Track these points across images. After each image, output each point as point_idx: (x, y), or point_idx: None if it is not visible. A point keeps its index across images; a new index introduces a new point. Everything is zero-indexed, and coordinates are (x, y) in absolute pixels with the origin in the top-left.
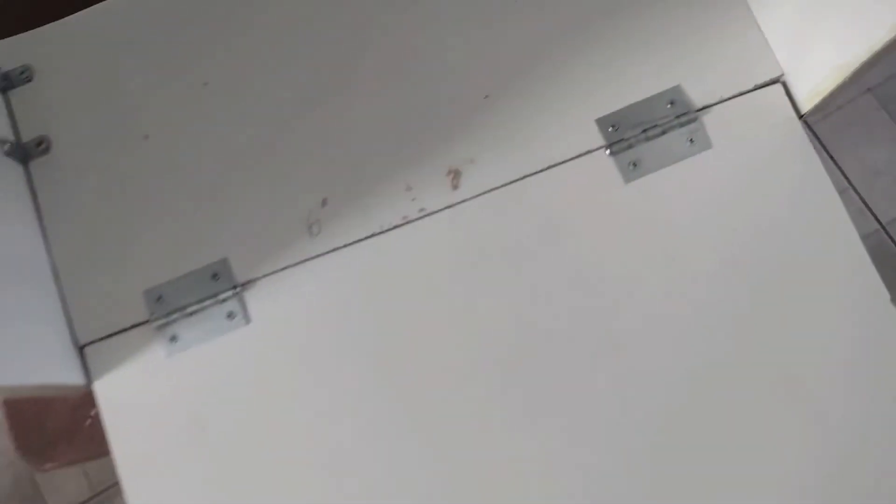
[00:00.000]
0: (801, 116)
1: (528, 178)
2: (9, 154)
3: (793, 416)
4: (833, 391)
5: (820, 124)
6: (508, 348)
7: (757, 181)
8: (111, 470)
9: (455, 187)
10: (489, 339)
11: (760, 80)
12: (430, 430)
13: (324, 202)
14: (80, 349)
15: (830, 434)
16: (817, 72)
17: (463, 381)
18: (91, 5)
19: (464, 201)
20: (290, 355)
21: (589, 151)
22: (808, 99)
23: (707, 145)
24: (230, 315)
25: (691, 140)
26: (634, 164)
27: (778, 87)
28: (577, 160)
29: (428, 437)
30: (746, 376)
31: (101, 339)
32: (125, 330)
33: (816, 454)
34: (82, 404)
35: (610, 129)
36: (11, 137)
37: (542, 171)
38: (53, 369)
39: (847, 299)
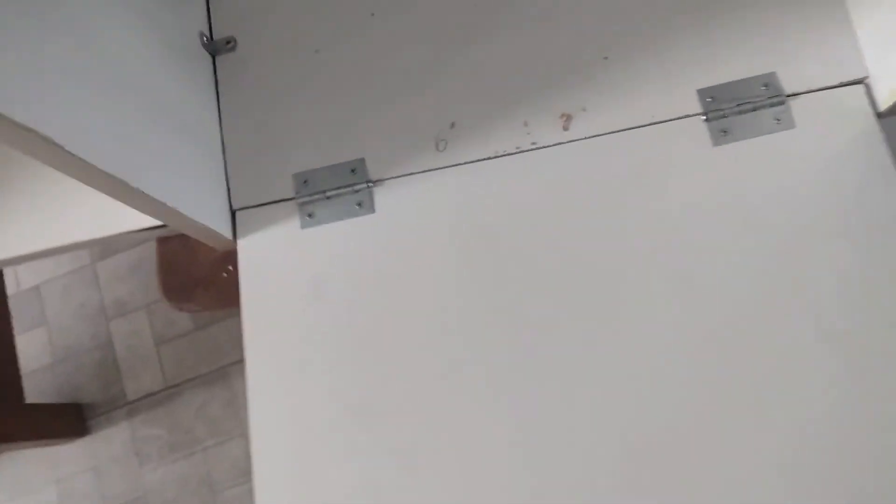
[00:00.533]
0: (878, 115)
1: (630, 131)
2: (203, 46)
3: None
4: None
5: None
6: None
7: (831, 164)
8: (184, 368)
9: (566, 129)
10: (576, 269)
11: (846, 79)
12: (521, 337)
13: (452, 124)
14: (233, 212)
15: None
16: None
17: (547, 314)
18: None
19: (571, 142)
20: (402, 246)
21: (687, 116)
22: (886, 99)
23: (791, 126)
24: (360, 204)
25: (778, 119)
26: (724, 132)
27: (860, 88)
28: (675, 122)
29: (518, 343)
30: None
31: (251, 206)
32: (273, 202)
33: None
34: (223, 258)
35: (709, 100)
36: (207, 33)
37: (643, 126)
38: (213, 218)
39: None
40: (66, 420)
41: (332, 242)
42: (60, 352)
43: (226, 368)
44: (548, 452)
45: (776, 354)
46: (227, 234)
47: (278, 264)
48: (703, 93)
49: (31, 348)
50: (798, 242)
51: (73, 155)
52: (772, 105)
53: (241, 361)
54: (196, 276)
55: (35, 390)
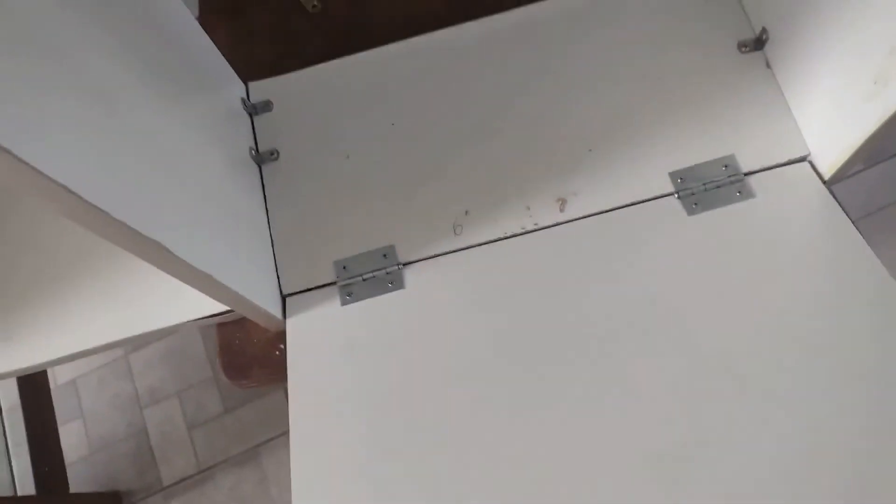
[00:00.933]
0: (825, 182)
1: (616, 210)
2: (252, 158)
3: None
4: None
5: (861, 222)
6: (595, 337)
7: (790, 225)
8: (216, 451)
9: (562, 210)
10: (580, 324)
11: (792, 157)
12: (530, 385)
13: (466, 212)
14: (284, 297)
15: None
16: (834, 150)
17: (558, 362)
18: (316, 63)
19: (567, 221)
20: (427, 314)
21: (662, 195)
22: (827, 172)
23: (752, 196)
24: (392, 282)
25: (739, 192)
26: (696, 204)
27: (805, 164)
28: (653, 200)
29: (527, 390)
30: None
31: (299, 292)
32: (317, 287)
33: None
34: (275, 338)
35: (679, 180)
36: (254, 147)
37: (627, 206)
38: (269, 303)
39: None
40: None
41: (368, 314)
42: (97, 442)
43: (256, 448)
44: (560, 485)
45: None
46: (279, 315)
47: (320, 335)
48: (673, 175)
49: (69, 440)
50: (764, 291)
51: (178, 257)
52: (732, 182)
53: (269, 441)
54: (252, 355)
55: (75, 480)
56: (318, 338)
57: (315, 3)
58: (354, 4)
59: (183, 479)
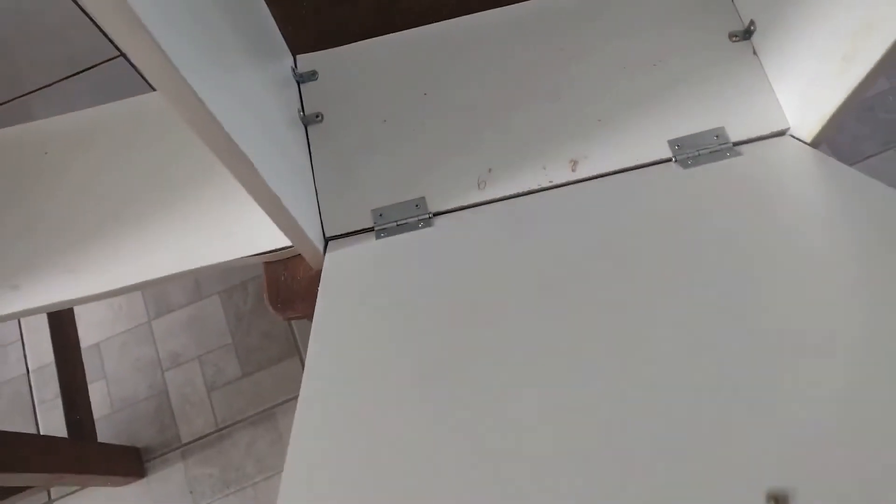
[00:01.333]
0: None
1: (622, 172)
2: (300, 119)
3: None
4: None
5: None
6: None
7: (776, 168)
8: (234, 412)
9: (574, 171)
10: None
11: (775, 130)
12: (546, 321)
13: (490, 170)
14: (326, 240)
15: None
16: (811, 121)
17: (568, 298)
18: (361, 39)
19: (578, 181)
20: (453, 252)
21: (662, 160)
22: (807, 138)
23: (739, 154)
24: (422, 227)
25: (728, 154)
26: (690, 163)
27: (787, 137)
28: (654, 165)
29: (544, 327)
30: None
31: (340, 235)
32: (356, 232)
33: None
34: (317, 276)
35: (676, 147)
36: (301, 111)
37: (631, 168)
38: (318, 241)
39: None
40: (128, 461)
41: (399, 246)
42: (119, 402)
43: (271, 410)
44: (571, 421)
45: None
46: (322, 252)
47: (353, 263)
48: (671, 142)
49: (92, 399)
50: (760, 224)
51: (260, 175)
52: (722, 149)
53: (285, 402)
54: (296, 290)
55: (98, 436)
56: (350, 265)
57: None
58: None
59: (201, 437)
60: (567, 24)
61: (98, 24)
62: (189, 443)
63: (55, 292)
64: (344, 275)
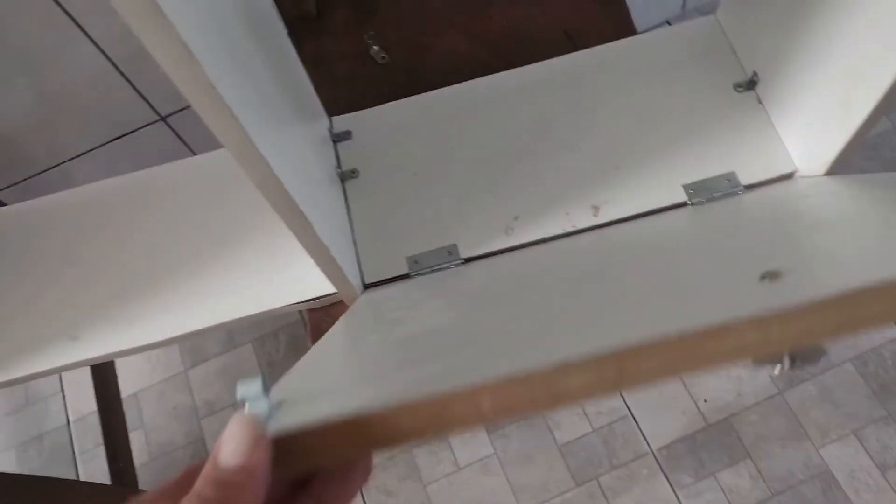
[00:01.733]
0: None
1: (642, 217)
2: (337, 175)
3: None
4: None
5: None
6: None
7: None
8: None
9: (595, 216)
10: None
11: (784, 172)
12: None
13: (516, 217)
14: (365, 287)
15: None
16: (816, 164)
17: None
18: (385, 102)
19: (600, 225)
20: (483, 287)
21: (677, 204)
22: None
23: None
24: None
25: (741, 195)
26: (705, 204)
27: (794, 179)
28: (671, 210)
29: None
30: None
31: (378, 282)
32: (393, 279)
33: None
34: None
35: (690, 192)
36: (339, 168)
37: (649, 212)
38: (357, 286)
39: None
40: None
41: (431, 284)
42: (157, 450)
43: None
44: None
45: None
46: None
47: (387, 293)
48: (686, 187)
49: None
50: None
51: (314, 229)
52: (733, 193)
53: None
54: None
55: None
56: (384, 293)
57: (383, 55)
58: (415, 57)
59: None
60: (581, 81)
61: (178, 88)
62: None
63: (112, 342)
64: (378, 297)
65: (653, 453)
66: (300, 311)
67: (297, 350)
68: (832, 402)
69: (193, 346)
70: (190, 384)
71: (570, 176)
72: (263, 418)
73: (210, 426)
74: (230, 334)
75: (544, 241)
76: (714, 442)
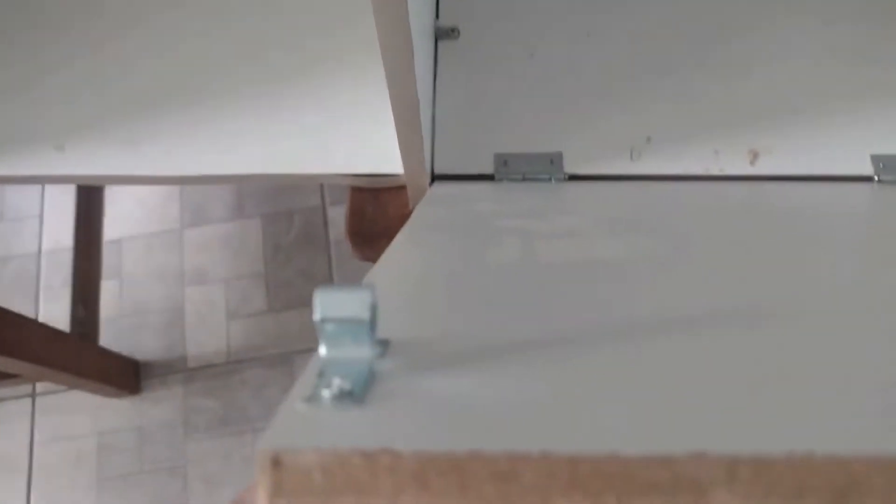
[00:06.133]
0: None
1: (809, 180)
2: (434, 29)
3: None
4: None
5: None
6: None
7: None
8: (250, 347)
9: (752, 164)
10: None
11: None
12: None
13: (648, 139)
14: (433, 177)
15: None
16: None
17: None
18: None
19: (755, 177)
20: (582, 219)
21: (860, 177)
22: None
23: None
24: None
25: None
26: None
27: None
28: (849, 181)
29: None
30: None
31: (451, 176)
32: (471, 177)
33: None
34: (408, 216)
35: (881, 165)
36: (436, 20)
37: (822, 177)
38: (426, 174)
39: None
40: (125, 373)
41: (521, 194)
42: (129, 306)
43: (291, 355)
44: None
45: None
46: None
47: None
48: (875, 158)
49: (101, 298)
50: None
51: (413, 66)
52: None
53: (308, 350)
54: (383, 226)
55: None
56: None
57: None
58: None
59: (209, 366)
60: None
61: None
62: (195, 369)
63: (105, 163)
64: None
65: None
66: (322, 197)
67: (309, 240)
68: None
69: (196, 203)
70: (183, 244)
71: (731, 105)
72: (362, 383)
73: (194, 296)
74: (240, 201)
75: (678, 178)
76: None
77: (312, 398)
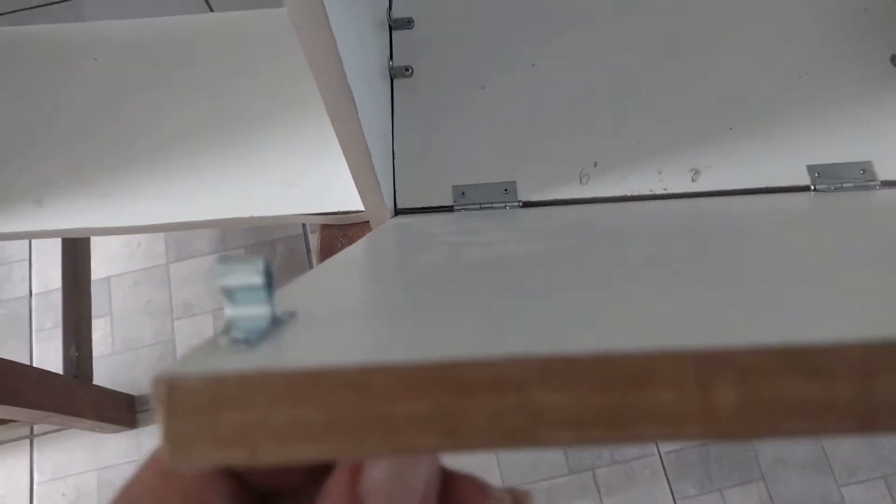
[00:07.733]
0: None
1: (748, 195)
2: (389, 70)
3: None
4: None
5: None
6: None
7: None
8: None
9: (694, 181)
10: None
11: None
12: None
13: (595, 163)
14: (396, 212)
15: None
16: None
17: None
18: None
19: (697, 194)
20: (537, 243)
21: (797, 187)
22: None
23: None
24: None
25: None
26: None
27: None
28: (787, 192)
29: None
30: None
31: (412, 209)
32: (431, 209)
33: None
34: None
35: (816, 175)
36: (390, 61)
37: (761, 190)
38: (389, 213)
39: None
40: (121, 408)
41: (475, 219)
42: (121, 343)
43: None
44: None
45: None
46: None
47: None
48: (811, 168)
49: (94, 335)
50: None
51: (358, 119)
52: (867, 188)
53: None
54: None
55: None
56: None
57: None
58: None
59: None
60: (711, 11)
61: None
62: None
63: (82, 216)
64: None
65: (660, 455)
66: (304, 225)
67: (293, 266)
68: (868, 441)
69: (180, 238)
70: (170, 279)
71: (671, 127)
72: (257, 334)
73: (183, 329)
74: (223, 234)
75: (624, 199)
76: (728, 456)
77: (210, 343)
